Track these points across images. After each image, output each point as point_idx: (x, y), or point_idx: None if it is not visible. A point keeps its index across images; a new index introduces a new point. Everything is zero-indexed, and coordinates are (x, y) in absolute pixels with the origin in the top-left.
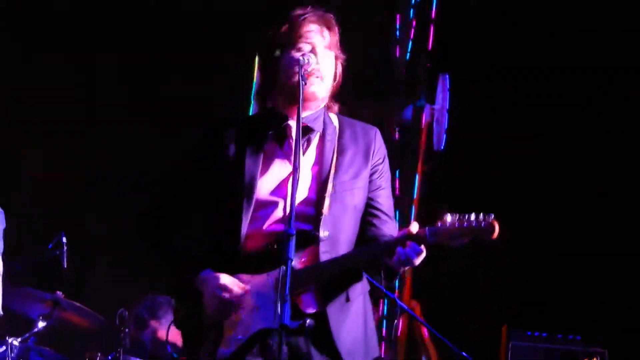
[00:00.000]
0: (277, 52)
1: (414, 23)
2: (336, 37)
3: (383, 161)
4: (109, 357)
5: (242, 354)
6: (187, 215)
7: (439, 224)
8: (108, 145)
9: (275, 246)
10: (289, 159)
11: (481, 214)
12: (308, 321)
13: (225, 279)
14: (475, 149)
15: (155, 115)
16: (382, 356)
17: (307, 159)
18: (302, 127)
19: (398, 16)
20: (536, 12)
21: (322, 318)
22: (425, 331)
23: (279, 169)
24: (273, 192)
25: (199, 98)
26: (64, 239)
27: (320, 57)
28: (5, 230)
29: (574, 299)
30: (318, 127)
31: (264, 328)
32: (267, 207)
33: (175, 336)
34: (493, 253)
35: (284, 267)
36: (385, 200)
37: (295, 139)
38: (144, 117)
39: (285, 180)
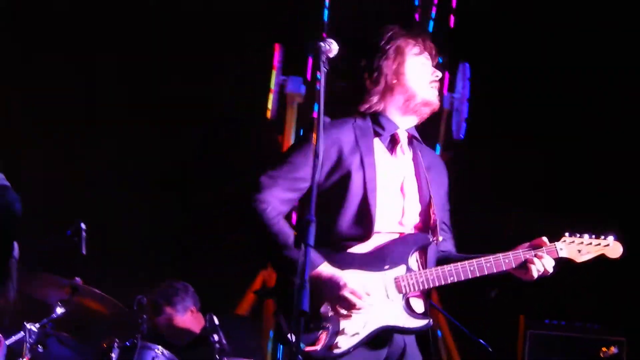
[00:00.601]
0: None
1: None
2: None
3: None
4: (127, 343)
5: (362, 351)
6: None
7: (566, 240)
8: (120, 137)
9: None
10: (400, 165)
11: (609, 235)
12: (431, 322)
13: (352, 282)
14: (494, 139)
15: (175, 106)
16: None
17: (416, 167)
18: (409, 136)
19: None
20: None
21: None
22: (443, 320)
23: (394, 174)
24: (389, 191)
25: (199, 98)
26: (83, 225)
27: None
28: (22, 216)
29: (592, 287)
30: (420, 138)
31: (390, 326)
32: (383, 205)
33: (190, 323)
34: (510, 242)
35: (403, 267)
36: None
37: (317, 129)
38: (162, 110)
39: (398, 182)
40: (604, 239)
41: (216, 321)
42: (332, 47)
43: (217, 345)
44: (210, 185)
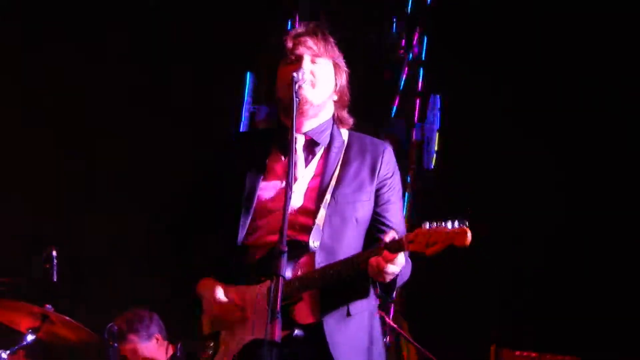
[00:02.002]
0: (273, 68)
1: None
2: (331, 46)
3: (392, 176)
4: None
5: None
6: (199, 230)
7: (416, 232)
8: (102, 158)
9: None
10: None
11: (456, 220)
12: (296, 331)
13: (218, 292)
14: (465, 166)
15: (154, 128)
16: None
17: (309, 171)
18: (307, 140)
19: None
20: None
21: (318, 330)
22: (413, 351)
23: (280, 181)
24: (271, 202)
25: (171, 125)
26: (54, 253)
27: (307, 65)
28: None
29: (565, 317)
30: (323, 140)
31: (255, 339)
32: (265, 217)
33: (155, 351)
34: (483, 269)
35: (275, 281)
36: (394, 214)
37: (289, 153)
38: (141, 130)
39: (283, 192)
40: (454, 226)
41: (181, 349)
42: (304, 77)
43: None
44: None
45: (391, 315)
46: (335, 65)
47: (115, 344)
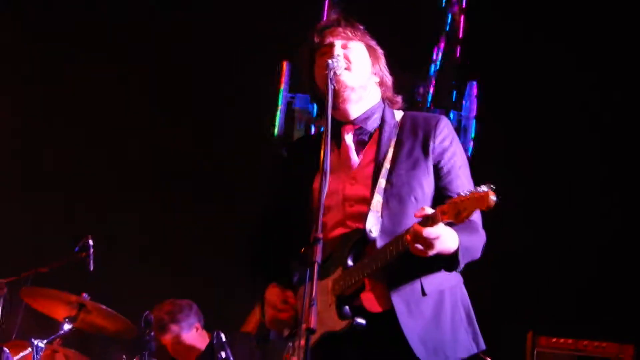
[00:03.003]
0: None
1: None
2: (360, 31)
3: (450, 145)
4: None
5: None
6: (281, 236)
7: (448, 203)
8: (138, 148)
9: (333, 252)
10: (346, 163)
11: (482, 185)
12: (356, 320)
13: (272, 295)
14: (498, 156)
15: (184, 119)
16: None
17: (362, 158)
18: (355, 128)
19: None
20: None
21: (390, 317)
22: None
23: (336, 174)
24: (328, 199)
25: (208, 114)
26: (91, 242)
27: (339, 50)
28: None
29: (601, 304)
30: (371, 125)
31: (327, 332)
32: (325, 214)
33: (195, 340)
34: (521, 256)
35: (340, 269)
36: (461, 184)
37: (324, 139)
38: (172, 121)
39: (342, 184)
40: (477, 191)
41: (223, 338)
42: (339, 64)
43: None
44: (219, 202)
45: None
46: (369, 48)
47: (152, 333)
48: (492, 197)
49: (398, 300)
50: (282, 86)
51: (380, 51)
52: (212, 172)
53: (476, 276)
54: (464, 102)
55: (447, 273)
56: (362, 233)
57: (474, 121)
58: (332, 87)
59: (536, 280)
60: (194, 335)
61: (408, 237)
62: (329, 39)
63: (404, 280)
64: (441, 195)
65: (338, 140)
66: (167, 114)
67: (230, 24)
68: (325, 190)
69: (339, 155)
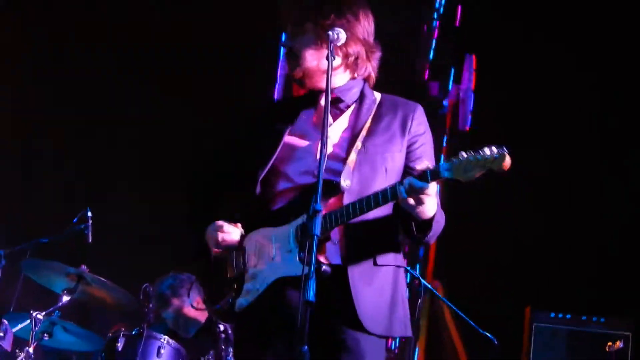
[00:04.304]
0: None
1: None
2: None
3: (424, 133)
4: (133, 332)
5: (259, 304)
6: (224, 189)
7: (453, 159)
8: (133, 122)
9: (300, 197)
10: (318, 128)
11: (494, 146)
12: (324, 267)
13: (219, 221)
14: (500, 128)
15: (182, 96)
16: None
17: (338, 124)
18: (333, 97)
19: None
20: None
21: (342, 273)
22: (447, 311)
23: (310, 133)
24: (297, 151)
25: (208, 85)
26: (89, 214)
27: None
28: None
29: (598, 280)
30: (350, 97)
31: (280, 277)
32: (290, 162)
33: (196, 313)
34: (518, 232)
35: (310, 240)
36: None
37: (324, 108)
38: (170, 96)
39: (314, 141)
40: (488, 152)
41: None
42: (340, 36)
43: (223, 335)
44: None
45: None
46: (323, 31)
47: (151, 305)
48: (508, 159)
49: (353, 260)
50: (280, 59)
51: (352, 28)
52: (210, 143)
53: (475, 252)
54: (462, 75)
55: (397, 254)
56: (335, 184)
57: (472, 94)
58: (333, 58)
59: (534, 255)
60: (195, 310)
61: (404, 187)
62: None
63: (362, 244)
64: (407, 173)
65: (314, 104)
66: (166, 92)
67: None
68: (324, 162)
69: (315, 117)
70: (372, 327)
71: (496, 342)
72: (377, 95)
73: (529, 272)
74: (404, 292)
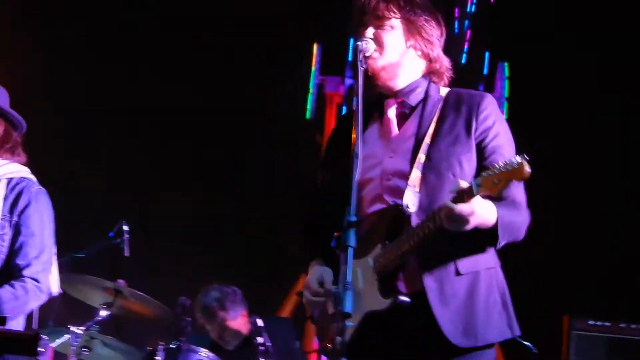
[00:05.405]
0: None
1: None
2: (398, 4)
3: (494, 124)
4: (172, 346)
5: (355, 341)
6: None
7: (482, 174)
8: (175, 135)
9: (375, 225)
10: (386, 137)
11: (516, 156)
12: (400, 298)
13: (311, 275)
14: (534, 134)
15: (217, 113)
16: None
17: (403, 132)
18: (398, 102)
19: (457, 9)
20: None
21: (422, 296)
22: None
23: (376, 150)
24: (367, 172)
25: (240, 99)
26: (126, 227)
27: (370, 32)
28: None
29: (637, 286)
30: (414, 99)
31: (370, 311)
32: (364, 187)
33: (240, 326)
34: (555, 240)
35: (379, 246)
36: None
37: (355, 118)
38: (207, 113)
39: (380, 159)
40: (511, 162)
41: (260, 323)
42: (368, 47)
43: (261, 347)
44: (255, 187)
45: None
46: (407, 23)
47: (189, 318)
48: (527, 168)
49: (430, 279)
50: (314, 69)
51: (422, 23)
52: (247, 157)
53: (512, 259)
54: (495, 83)
55: (484, 254)
56: (399, 209)
57: (505, 102)
58: (363, 69)
59: (572, 262)
60: (240, 322)
61: (441, 214)
62: (362, 15)
63: (438, 259)
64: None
65: (380, 112)
66: (204, 102)
67: (259, 5)
68: (357, 175)
69: (380, 128)
70: (464, 342)
71: (535, 351)
72: (443, 92)
73: (567, 280)
74: (503, 292)
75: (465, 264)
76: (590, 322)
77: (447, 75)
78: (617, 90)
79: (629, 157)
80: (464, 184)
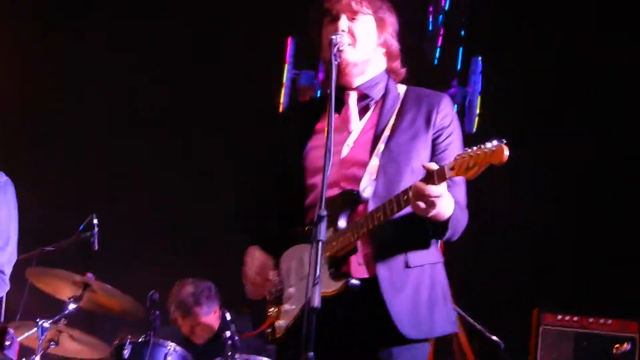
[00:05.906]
0: (317, 30)
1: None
2: (371, 2)
3: (450, 124)
4: (140, 340)
5: (298, 325)
6: (273, 201)
7: (455, 158)
8: (141, 129)
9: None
10: (346, 127)
11: (494, 140)
12: (352, 281)
13: (254, 257)
14: (506, 131)
15: (190, 105)
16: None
17: (363, 124)
18: (359, 94)
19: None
20: None
21: (373, 284)
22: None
23: (336, 137)
24: (321, 160)
25: (211, 92)
26: (95, 221)
27: (344, 24)
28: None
29: (606, 281)
30: (376, 94)
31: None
32: (318, 174)
33: (213, 322)
34: (524, 232)
35: (331, 230)
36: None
37: (328, 114)
38: (180, 106)
39: (337, 147)
40: (487, 146)
41: (228, 317)
42: (343, 40)
43: (229, 341)
44: (226, 179)
45: None
46: (378, 19)
47: (157, 312)
48: (506, 152)
49: (383, 268)
50: (287, 63)
51: (390, 20)
52: (217, 149)
53: (481, 253)
54: (469, 77)
55: (429, 249)
56: (354, 194)
57: (478, 97)
58: (336, 62)
59: (541, 257)
60: (213, 318)
61: (410, 193)
62: (336, 8)
63: (391, 249)
64: None
65: (340, 104)
66: (175, 92)
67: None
68: (329, 167)
69: (339, 118)
70: (411, 333)
71: (503, 346)
72: (402, 89)
73: (536, 274)
74: (444, 288)
75: (415, 257)
76: (559, 317)
77: (403, 72)
78: (595, 84)
79: (604, 150)
80: (435, 166)
